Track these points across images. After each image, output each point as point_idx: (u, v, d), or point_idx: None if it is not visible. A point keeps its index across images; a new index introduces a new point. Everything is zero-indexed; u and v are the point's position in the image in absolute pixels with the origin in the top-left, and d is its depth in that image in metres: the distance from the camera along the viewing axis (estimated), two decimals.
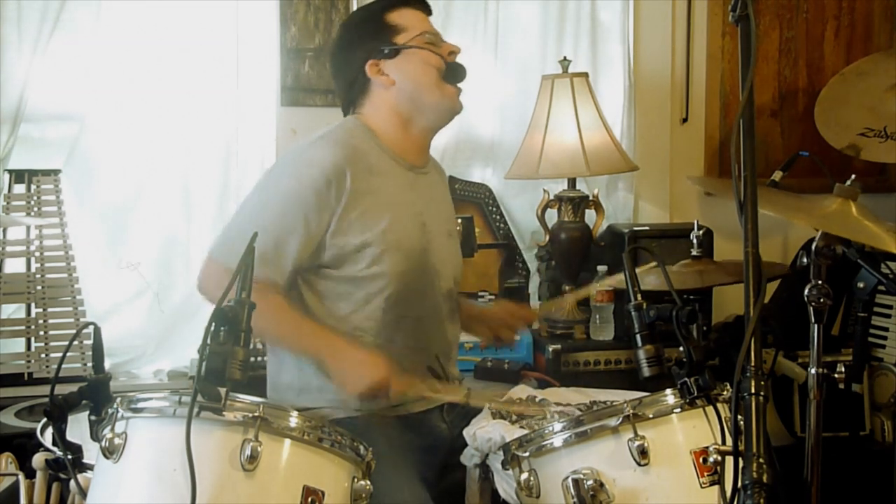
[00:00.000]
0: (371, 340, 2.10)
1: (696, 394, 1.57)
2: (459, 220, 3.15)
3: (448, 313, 2.24)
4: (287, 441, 1.54)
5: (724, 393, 1.63)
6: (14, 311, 3.18)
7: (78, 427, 1.68)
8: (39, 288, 3.10)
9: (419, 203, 2.19)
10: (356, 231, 2.07)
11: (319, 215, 2.05)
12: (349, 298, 2.11)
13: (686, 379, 1.57)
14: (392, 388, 1.96)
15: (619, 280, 2.02)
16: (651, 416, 1.61)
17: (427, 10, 2.26)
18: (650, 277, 2.08)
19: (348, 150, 2.10)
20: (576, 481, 1.59)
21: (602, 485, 1.58)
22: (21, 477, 2.03)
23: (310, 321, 2.09)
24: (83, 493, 1.66)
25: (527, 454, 1.68)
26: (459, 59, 2.24)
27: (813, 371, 2.01)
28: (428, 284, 2.18)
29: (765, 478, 1.15)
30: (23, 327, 3.12)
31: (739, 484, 1.18)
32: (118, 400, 1.56)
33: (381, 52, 2.16)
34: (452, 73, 2.20)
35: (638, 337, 1.65)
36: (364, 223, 2.08)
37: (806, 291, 1.97)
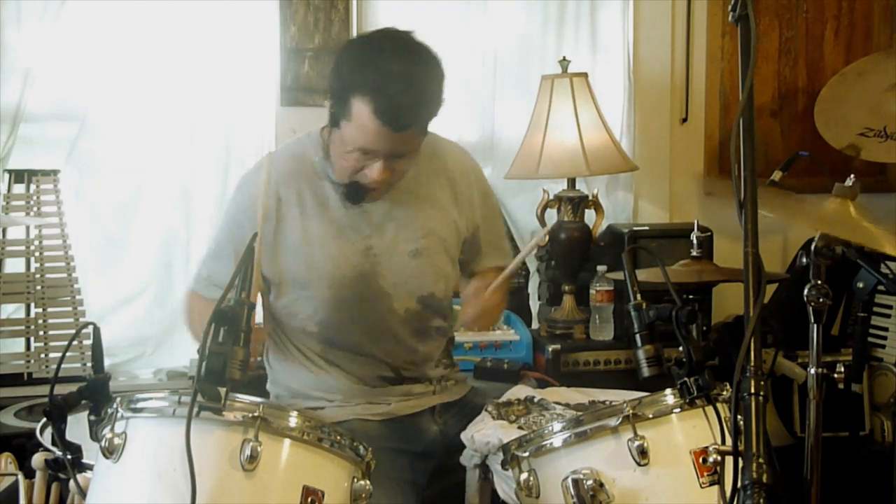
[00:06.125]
0: (315, 359, 2.14)
1: (695, 394, 1.57)
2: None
3: (411, 334, 2.16)
4: (287, 441, 1.54)
5: (724, 393, 1.62)
6: (14, 310, 3.18)
7: (78, 427, 1.68)
8: (39, 288, 3.10)
9: (366, 226, 2.10)
10: (283, 259, 2.06)
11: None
12: (285, 323, 2.14)
13: (686, 379, 1.57)
14: None
15: None
16: (651, 416, 1.61)
17: (392, 126, 1.90)
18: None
19: (284, 174, 2.07)
20: (576, 481, 1.59)
21: (602, 485, 1.58)
22: (20, 477, 2.03)
23: None
24: (83, 493, 1.66)
25: (526, 454, 1.68)
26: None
27: (813, 371, 2.01)
28: (371, 310, 2.11)
29: (765, 478, 1.15)
30: (22, 327, 3.12)
31: (739, 484, 1.18)
32: (118, 400, 1.56)
33: (331, 108, 2.00)
34: (349, 192, 2.05)
35: (638, 337, 1.65)
36: (291, 251, 2.06)
37: (805, 291, 1.97)
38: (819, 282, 1.96)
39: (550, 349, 3.04)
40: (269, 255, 2.06)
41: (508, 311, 3.21)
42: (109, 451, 1.51)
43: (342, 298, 2.08)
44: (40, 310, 3.11)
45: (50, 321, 3.11)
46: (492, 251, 2.31)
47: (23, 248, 3.13)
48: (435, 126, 2.05)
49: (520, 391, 2.15)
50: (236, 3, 3.27)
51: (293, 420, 1.55)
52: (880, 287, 2.33)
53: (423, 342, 2.19)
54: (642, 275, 1.83)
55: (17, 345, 3.14)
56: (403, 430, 2.13)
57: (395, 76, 1.89)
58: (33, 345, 3.11)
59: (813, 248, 1.99)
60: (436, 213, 2.17)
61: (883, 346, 3.25)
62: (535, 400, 2.07)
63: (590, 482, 1.58)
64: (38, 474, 1.98)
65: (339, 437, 1.59)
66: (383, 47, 1.95)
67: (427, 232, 2.15)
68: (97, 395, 1.62)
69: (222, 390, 1.46)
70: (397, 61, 1.92)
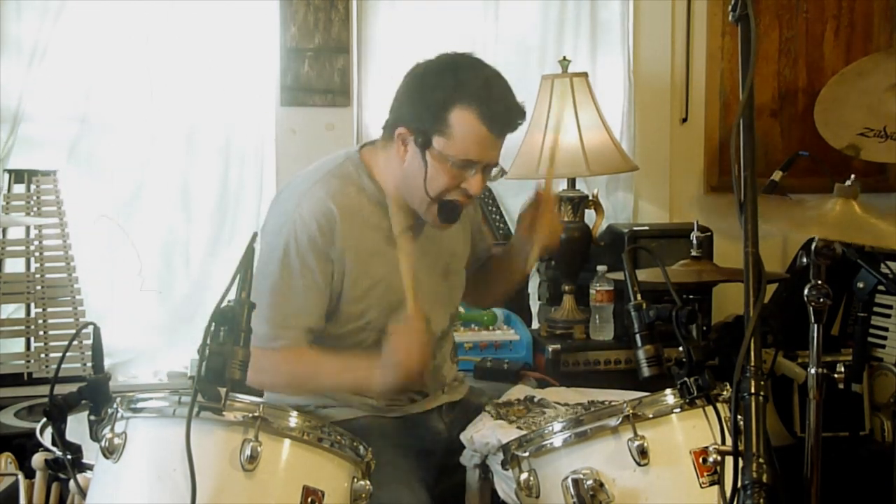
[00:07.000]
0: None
1: (695, 394, 1.57)
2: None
3: (441, 358, 2.18)
4: (287, 441, 1.55)
5: (724, 393, 1.62)
6: (14, 310, 3.18)
7: (78, 427, 1.68)
8: (39, 288, 3.10)
9: (413, 251, 2.05)
10: (344, 289, 2.01)
11: (321, 273, 1.98)
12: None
13: (686, 379, 1.57)
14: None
15: None
16: (651, 416, 1.61)
17: (498, 130, 1.94)
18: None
19: (338, 203, 1.99)
20: (575, 481, 1.59)
21: (602, 485, 1.58)
22: (21, 477, 2.03)
23: (333, 357, 2.01)
24: (83, 493, 1.66)
25: (526, 454, 1.68)
26: None
27: (813, 371, 2.01)
28: None
29: (765, 478, 1.15)
30: (22, 327, 3.12)
31: (739, 484, 1.18)
32: (118, 400, 1.56)
33: (415, 130, 1.95)
34: (443, 211, 2.00)
35: (638, 337, 1.65)
36: (350, 281, 2.01)
37: (806, 291, 1.97)
38: (819, 282, 1.96)
39: (550, 349, 3.03)
40: (335, 287, 2.00)
41: (508, 311, 3.21)
42: (109, 451, 1.51)
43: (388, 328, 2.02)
44: (40, 310, 3.11)
45: (50, 321, 3.11)
46: (481, 239, 2.37)
47: (23, 248, 3.13)
48: None
49: (519, 391, 2.15)
50: (236, 3, 3.27)
51: (293, 420, 1.55)
52: (880, 287, 2.33)
53: (444, 345, 2.23)
54: (642, 275, 1.82)
55: (17, 345, 3.14)
56: (415, 427, 2.13)
57: (493, 82, 1.95)
58: (33, 345, 3.11)
59: (813, 248, 1.99)
60: (455, 233, 2.21)
61: (883, 346, 3.25)
62: (536, 400, 2.07)
63: (590, 482, 1.58)
64: (38, 474, 1.98)
65: (339, 437, 1.60)
66: (466, 61, 1.98)
67: (452, 252, 2.21)
68: (97, 395, 1.62)
69: (222, 390, 1.46)
70: (485, 68, 1.97)
